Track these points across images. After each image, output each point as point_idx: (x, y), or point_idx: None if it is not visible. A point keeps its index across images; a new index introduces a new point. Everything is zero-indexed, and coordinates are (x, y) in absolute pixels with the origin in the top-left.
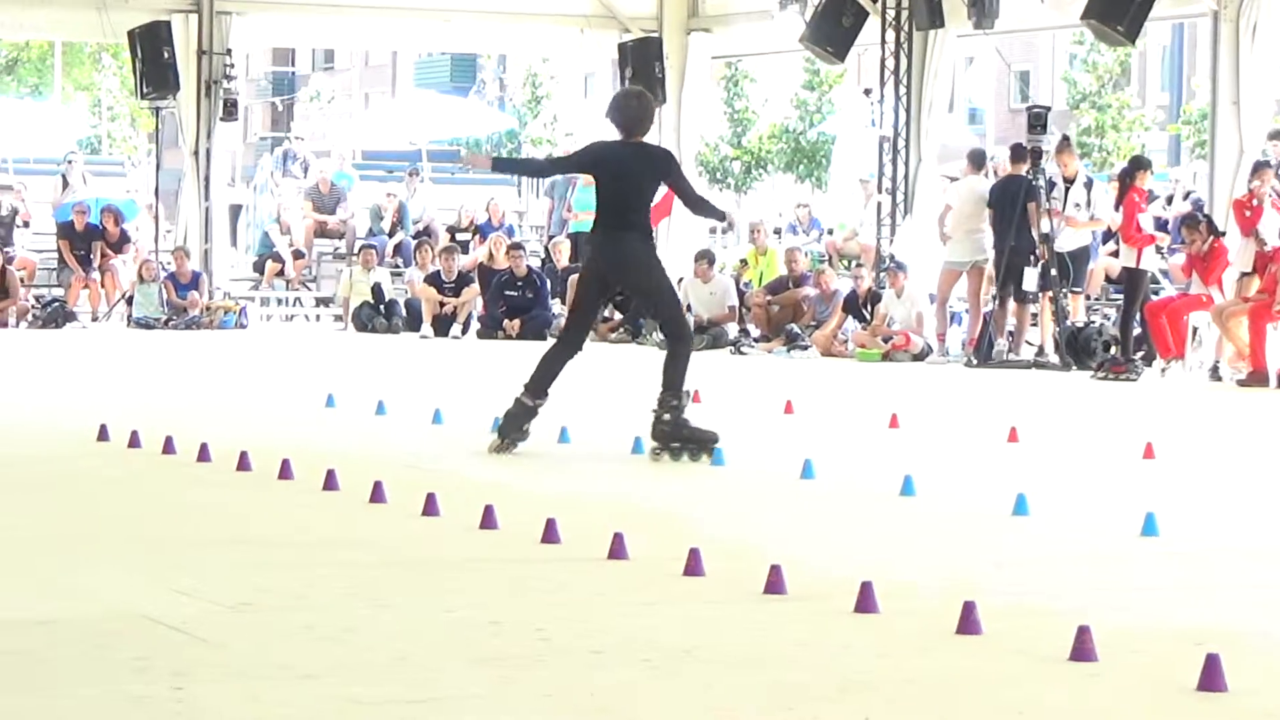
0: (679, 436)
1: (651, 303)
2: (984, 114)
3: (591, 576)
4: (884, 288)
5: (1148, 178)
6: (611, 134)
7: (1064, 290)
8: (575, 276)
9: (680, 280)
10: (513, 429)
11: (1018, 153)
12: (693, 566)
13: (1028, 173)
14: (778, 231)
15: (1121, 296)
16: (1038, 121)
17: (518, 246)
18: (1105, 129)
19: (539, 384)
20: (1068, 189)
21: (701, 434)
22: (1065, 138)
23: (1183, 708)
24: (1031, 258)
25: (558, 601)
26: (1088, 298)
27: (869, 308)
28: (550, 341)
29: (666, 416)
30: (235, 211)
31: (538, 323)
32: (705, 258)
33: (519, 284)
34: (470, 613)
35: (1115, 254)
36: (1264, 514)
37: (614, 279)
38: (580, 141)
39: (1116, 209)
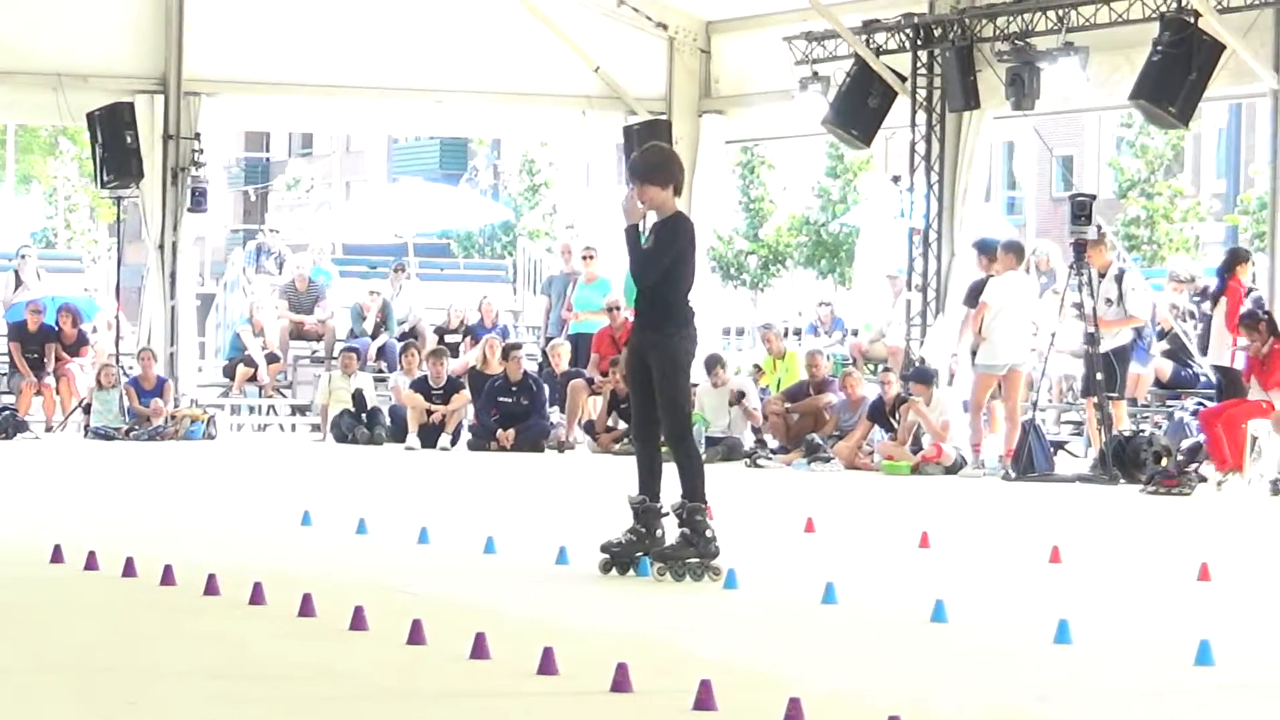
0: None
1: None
2: (1024, 203)
3: (593, 711)
4: (910, 395)
5: (1248, 270)
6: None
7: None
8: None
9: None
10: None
11: (986, 249)
12: (704, 700)
13: (1071, 267)
14: (798, 332)
15: (1176, 402)
16: (1082, 211)
17: (515, 348)
18: (1156, 219)
19: (645, 484)
20: (1100, 283)
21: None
22: (1099, 228)
23: None
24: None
25: None
26: (1133, 403)
27: (897, 416)
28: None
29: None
30: (204, 310)
31: (534, 433)
32: (718, 363)
33: (514, 390)
34: None
35: (1169, 354)
36: None
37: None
38: (584, 235)
39: (1215, 303)
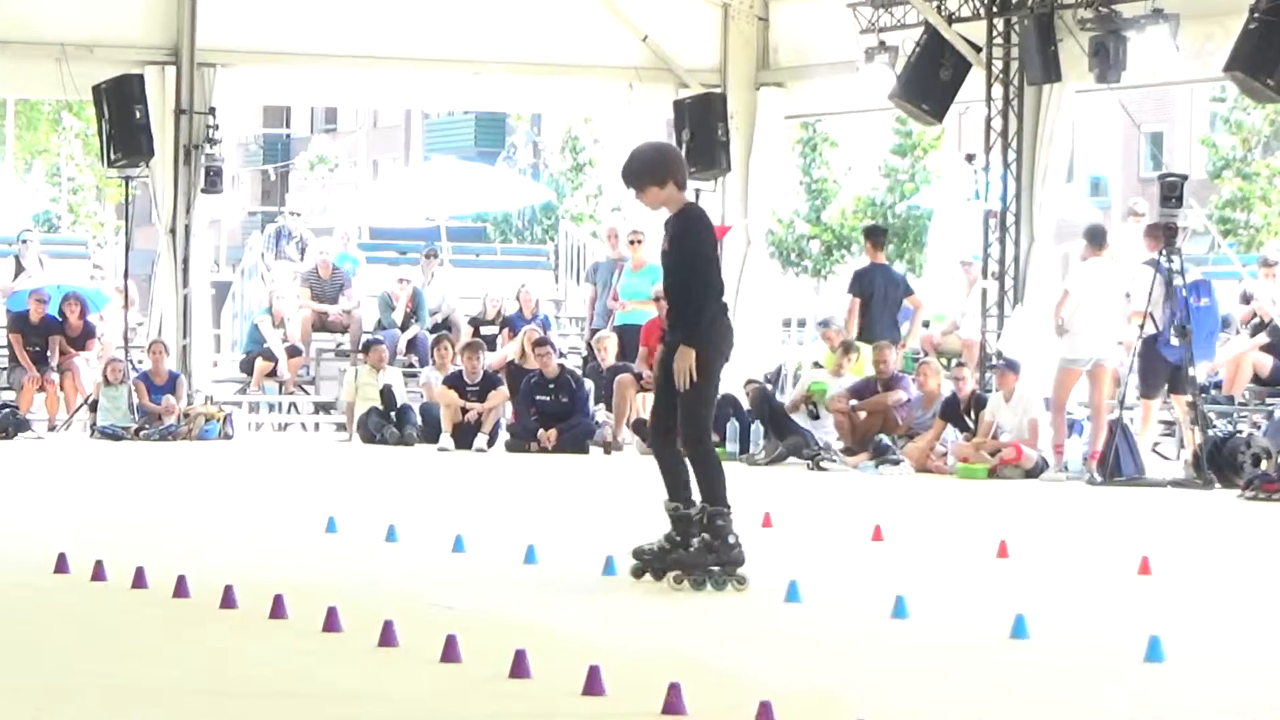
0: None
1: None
2: (1108, 184)
3: None
4: (990, 391)
5: None
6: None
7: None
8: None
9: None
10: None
11: (872, 235)
12: None
13: (1161, 253)
14: None
15: (1276, 400)
16: (1173, 192)
17: (543, 342)
18: (1252, 201)
19: (674, 491)
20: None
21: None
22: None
23: None
24: None
25: None
26: (1229, 401)
27: (972, 415)
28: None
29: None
30: (219, 300)
31: (578, 432)
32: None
33: (551, 386)
34: None
35: (1268, 348)
36: None
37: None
38: (631, 218)
39: None
